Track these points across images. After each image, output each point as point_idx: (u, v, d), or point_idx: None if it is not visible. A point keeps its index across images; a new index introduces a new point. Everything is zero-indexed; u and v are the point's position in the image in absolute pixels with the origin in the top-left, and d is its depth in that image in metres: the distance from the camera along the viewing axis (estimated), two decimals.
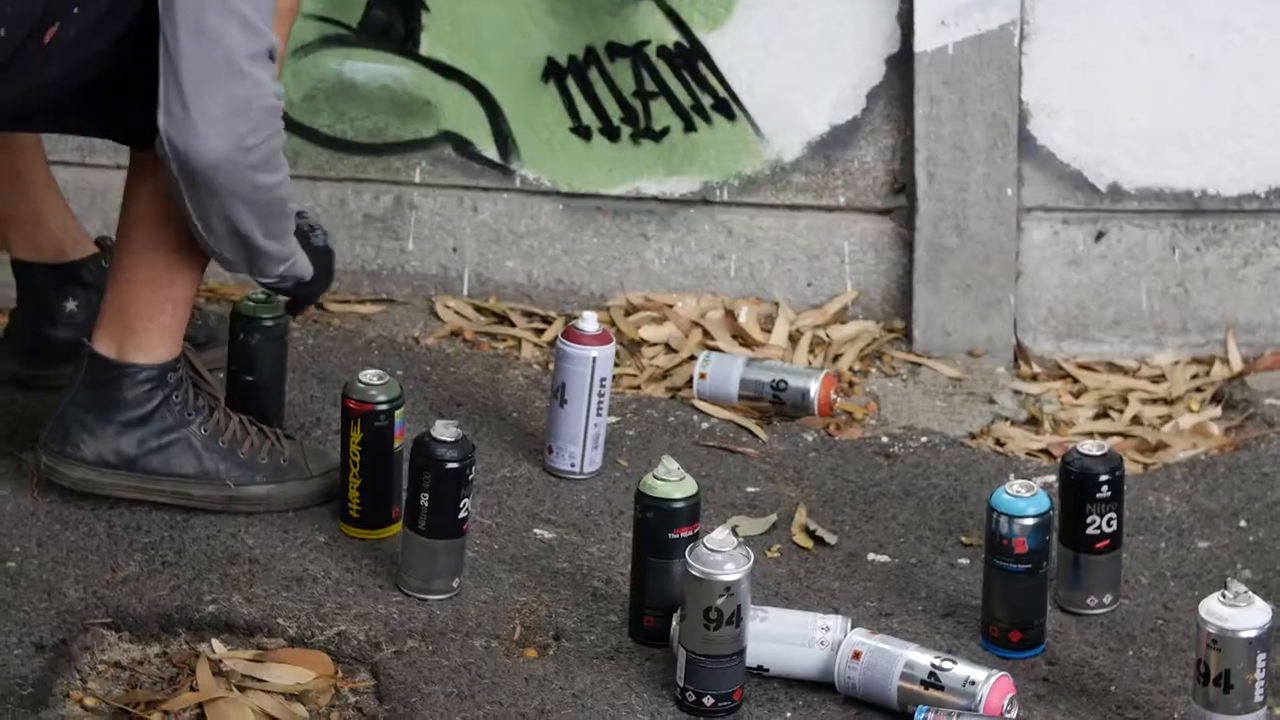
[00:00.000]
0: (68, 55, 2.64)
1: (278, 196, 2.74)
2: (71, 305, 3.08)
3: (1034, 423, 3.22)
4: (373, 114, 3.46)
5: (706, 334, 3.38)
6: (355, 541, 2.82)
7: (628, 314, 3.42)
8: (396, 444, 2.84)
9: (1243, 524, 2.95)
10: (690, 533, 2.63)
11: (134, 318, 2.82)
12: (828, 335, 3.38)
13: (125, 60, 2.68)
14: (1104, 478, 2.71)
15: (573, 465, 3.01)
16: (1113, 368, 3.37)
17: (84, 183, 3.43)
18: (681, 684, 2.55)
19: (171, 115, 2.63)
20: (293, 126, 3.46)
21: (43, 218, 3.09)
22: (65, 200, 3.12)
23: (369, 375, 2.85)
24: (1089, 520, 2.71)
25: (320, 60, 3.45)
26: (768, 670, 2.60)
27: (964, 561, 2.86)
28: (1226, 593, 2.44)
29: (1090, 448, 2.73)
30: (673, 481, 2.65)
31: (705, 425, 3.17)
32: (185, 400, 2.86)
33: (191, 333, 3.17)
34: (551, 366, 3.08)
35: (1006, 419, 3.23)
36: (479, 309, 3.46)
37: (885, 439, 3.16)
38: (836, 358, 3.34)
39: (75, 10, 2.60)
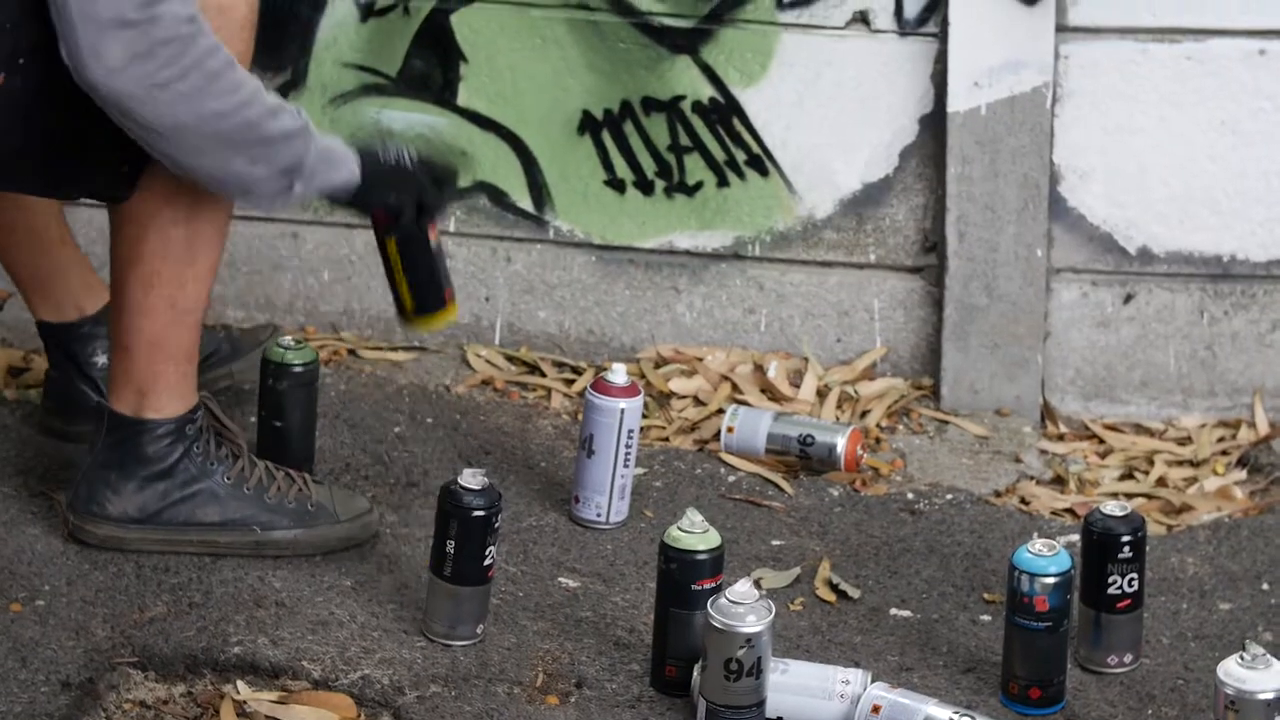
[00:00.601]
0: (20, 106, 2.60)
1: (242, 121, 2.63)
2: (100, 359, 3.10)
3: (1059, 482, 3.23)
4: None
5: (735, 388, 3.39)
6: (382, 586, 2.84)
7: (658, 366, 3.44)
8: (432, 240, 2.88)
9: (1265, 586, 2.95)
10: (713, 585, 2.64)
11: (139, 379, 2.83)
12: (856, 391, 3.39)
13: (89, 115, 2.64)
14: (1126, 538, 2.71)
15: (599, 515, 3.02)
16: (1139, 429, 3.37)
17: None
18: None
19: (83, 66, 2.55)
20: None
21: (61, 276, 3.10)
22: (82, 253, 3.14)
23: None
24: (1110, 580, 2.72)
25: (359, 109, 3.48)
26: None
27: (986, 618, 2.86)
28: (1245, 655, 2.44)
29: (1113, 508, 2.73)
30: (697, 534, 2.66)
31: (732, 478, 3.18)
32: (207, 450, 2.88)
33: (213, 348, 3.22)
34: (580, 417, 3.10)
35: (1032, 478, 3.24)
36: (510, 358, 3.48)
37: (910, 495, 3.16)
38: (864, 414, 3.35)
39: (21, 61, 2.58)
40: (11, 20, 2.56)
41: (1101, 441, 3.33)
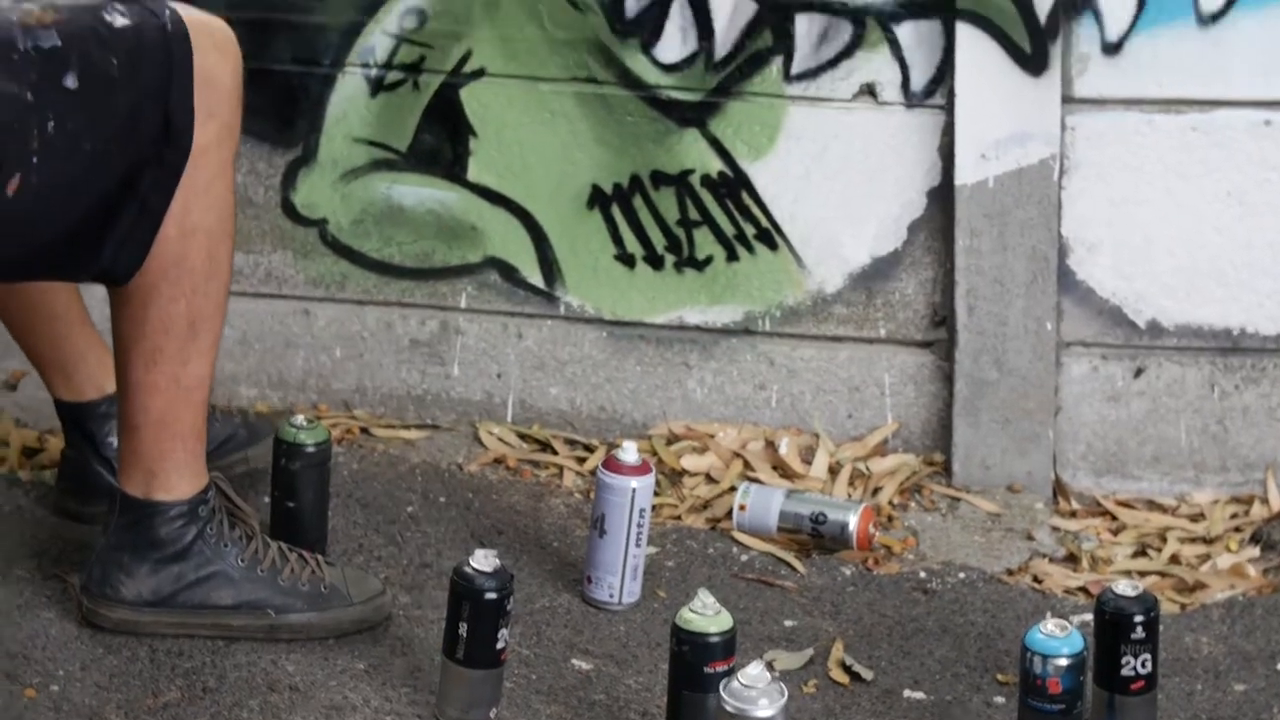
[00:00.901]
0: (42, 200, 2.62)
1: None
2: (115, 439, 3.09)
3: (1072, 560, 3.22)
4: (420, 238, 3.50)
5: (747, 465, 3.39)
6: (395, 669, 2.84)
7: (669, 443, 3.45)
8: None
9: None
10: (725, 667, 2.64)
11: (149, 460, 2.83)
12: (868, 468, 3.39)
13: (102, 196, 2.67)
14: (1139, 619, 2.71)
15: (611, 596, 3.03)
16: (1152, 505, 3.37)
17: None
18: None
19: None
20: (341, 250, 3.51)
21: (80, 358, 3.11)
22: (99, 334, 3.14)
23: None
24: (1124, 661, 2.71)
25: (369, 184, 3.49)
26: None
27: (999, 700, 2.86)
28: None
29: (1125, 588, 2.73)
30: (709, 616, 2.66)
31: (744, 557, 3.19)
32: (220, 531, 2.88)
33: (230, 432, 3.22)
34: (592, 495, 3.10)
35: (1044, 556, 3.23)
36: (522, 435, 3.49)
37: (923, 574, 3.16)
38: (876, 491, 3.36)
39: (35, 160, 2.59)
40: (18, 119, 2.58)
41: (1114, 518, 3.33)
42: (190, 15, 2.72)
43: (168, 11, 2.71)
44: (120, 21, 2.66)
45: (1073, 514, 3.34)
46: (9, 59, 2.58)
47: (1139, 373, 3.39)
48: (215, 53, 2.73)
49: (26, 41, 2.60)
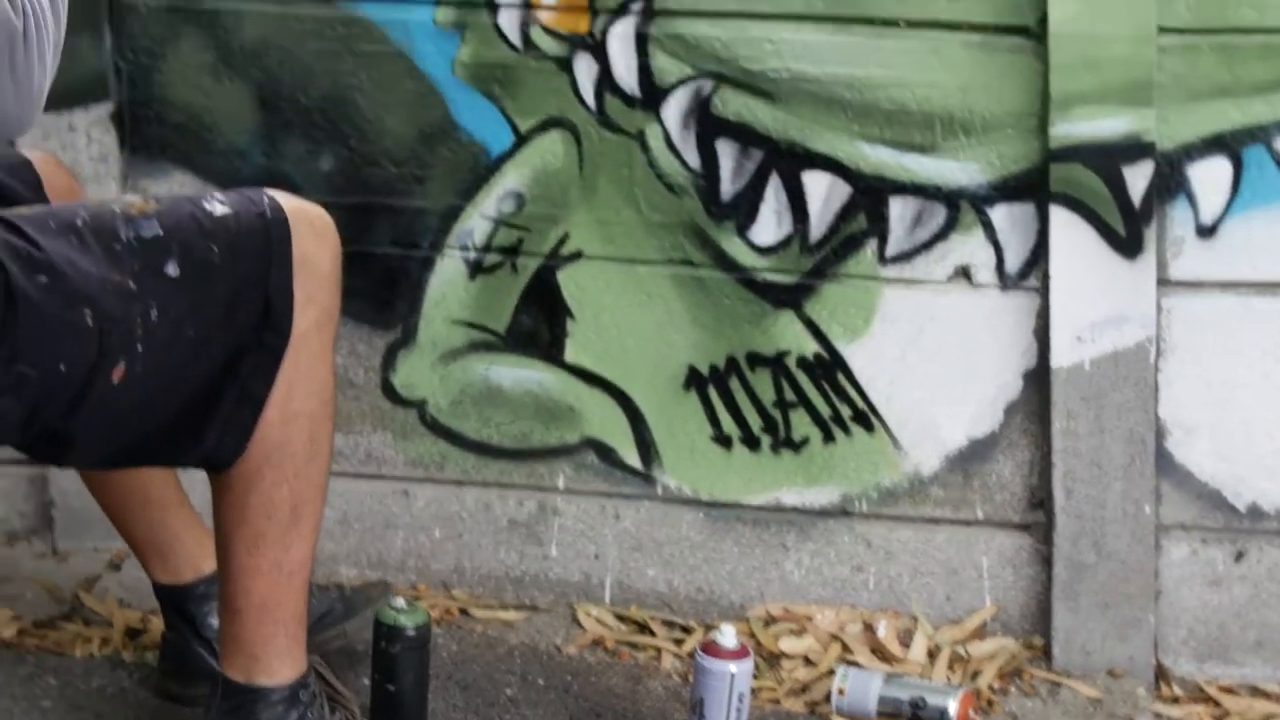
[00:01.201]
0: (147, 389, 2.64)
1: None
2: (215, 620, 3.10)
3: None
4: (518, 419, 3.52)
5: (845, 647, 3.38)
6: None
7: (767, 625, 3.44)
8: None
9: None
10: None
11: (250, 645, 2.84)
12: (967, 651, 3.38)
13: (209, 379, 2.69)
14: None
15: None
16: (1255, 692, 3.33)
17: None
18: None
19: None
20: (440, 430, 3.54)
21: (176, 540, 3.14)
22: (196, 514, 3.17)
23: None
24: None
25: (468, 365, 3.52)
26: None
27: None
28: None
29: None
30: None
31: None
32: (321, 716, 2.88)
33: (326, 607, 3.23)
34: (691, 678, 3.10)
35: None
36: (620, 617, 3.49)
37: None
38: (975, 675, 3.34)
39: (139, 348, 2.62)
40: (122, 307, 2.61)
41: (1217, 705, 3.29)
42: (289, 202, 2.77)
43: (266, 199, 2.75)
44: (220, 210, 2.71)
45: (1175, 700, 3.31)
46: (112, 249, 2.63)
47: (1240, 556, 3.37)
48: (314, 238, 2.77)
49: (129, 231, 2.64)
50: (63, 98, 3.43)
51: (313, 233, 2.77)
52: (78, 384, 2.57)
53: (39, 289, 2.54)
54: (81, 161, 3.48)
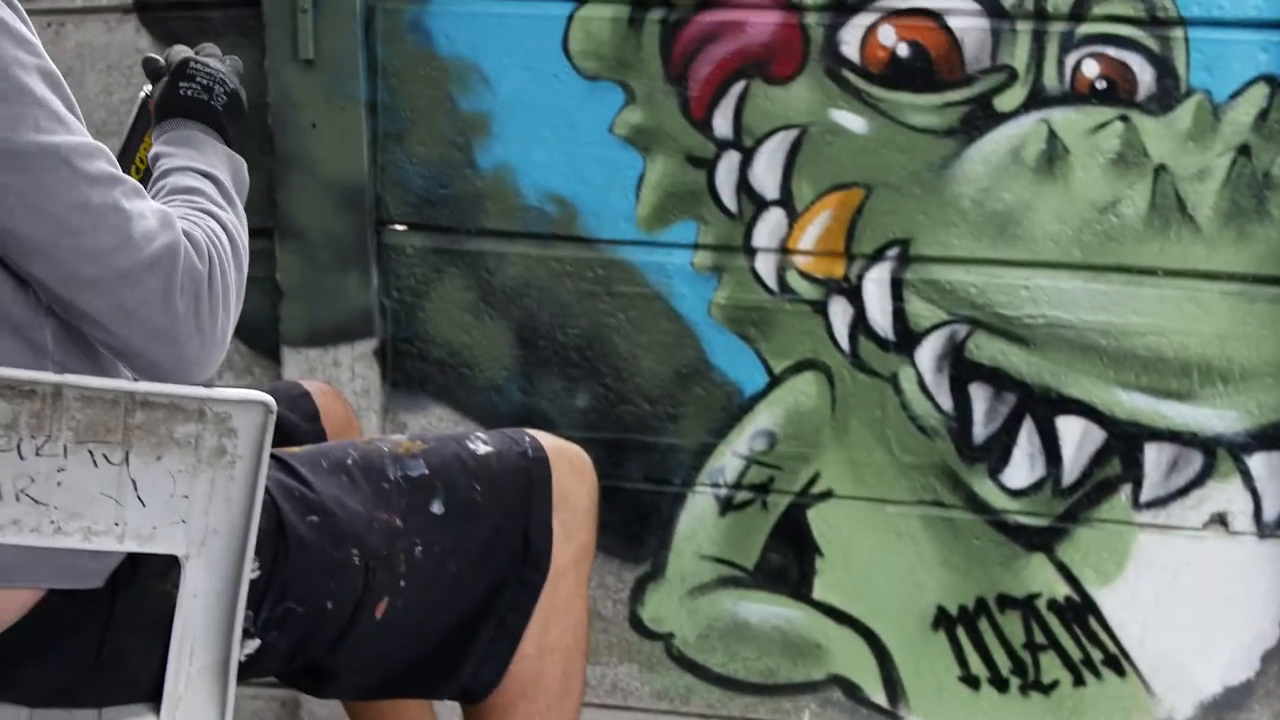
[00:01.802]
0: (410, 622, 2.68)
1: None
2: None
3: None
4: (765, 655, 3.53)
5: None
6: None
7: None
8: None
9: None
10: None
11: None
12: None
13: (462, 623, 2.73)
14: None
15: None
16: None
17: None
18: None
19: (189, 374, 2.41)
20: (686, 664, 3.56)
21: None
22: None
23: None
24: None
25: (716, 600, 3.54)
26: None
27: None
28: None
29: None
30: None
31: None
32: None
33: None
34: None
35: None
36: None
37: None
38: None
39: (402, 584, 2.67)
40: (388, 545, 2.66)
41: None
42: (549, 441, 2.82)
43: (528, 439, 2.81)
44: (483, 449, 2.77)
45: None
46: (380, 487, 2.69)
47: None
48: (573, 476, 2.82)
49: (397, 470, 2.71)
50: (329, 334, 3.54)
51: (572, 471, 2.82)
52: (343, 620, 2.63)
53: (310, 529, 2.61)
54: (345, 395, 3.57)
